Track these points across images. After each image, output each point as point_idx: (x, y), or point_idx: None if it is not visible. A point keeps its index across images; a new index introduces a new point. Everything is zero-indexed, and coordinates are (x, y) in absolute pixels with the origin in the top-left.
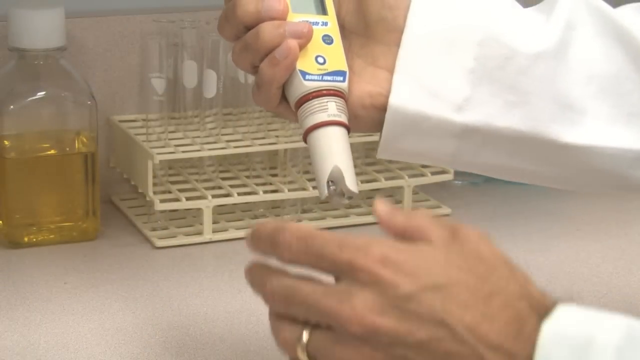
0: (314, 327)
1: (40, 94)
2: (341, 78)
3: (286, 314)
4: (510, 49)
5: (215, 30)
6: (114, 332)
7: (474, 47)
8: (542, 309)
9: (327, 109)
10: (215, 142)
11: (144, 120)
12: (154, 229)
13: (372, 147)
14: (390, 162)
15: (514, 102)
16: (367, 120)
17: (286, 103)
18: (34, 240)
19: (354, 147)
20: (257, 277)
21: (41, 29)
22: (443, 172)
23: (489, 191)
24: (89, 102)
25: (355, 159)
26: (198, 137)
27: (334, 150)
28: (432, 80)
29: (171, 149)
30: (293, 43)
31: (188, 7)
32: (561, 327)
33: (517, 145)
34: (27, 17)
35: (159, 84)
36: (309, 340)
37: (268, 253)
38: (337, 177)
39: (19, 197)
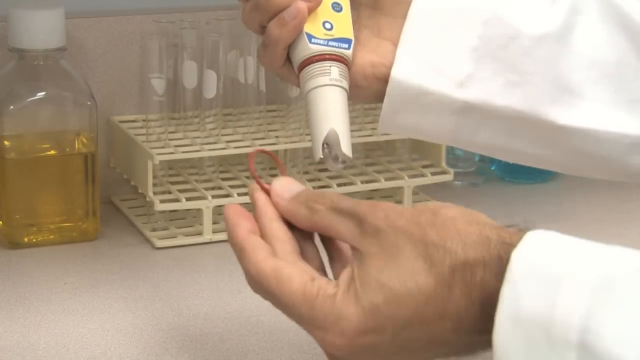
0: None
1: (40, 94)
2: (346, 45)
3: None
4: (514, 29)
5: (215, 31)
6: (114, 332)
7: (479, 26)
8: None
9: (330, 73)
10: (215, 143)
11: (144, 120)
12: (154, 230)
13: (372, 147)
14: (390, 162)
15: (515, 82)
16: (367, 90)
17: (290, 65)
18: (34, 240)
19: (354, 147)
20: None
21: (41, 29)
22: (443, 172)
23: (489, 191)
24: (89, 103)
25: (355, 159)
26: (198, 137)
27: (332, 114)
28: (435, 56)
29: (171, 149)
30: (302, 5)
31: (188, 7)
32: (533, 257)
33: (515, 125)
34: (27, 17)
35: (159, 84)
36: None
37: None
38: (333, 141)
39: (19, 197)
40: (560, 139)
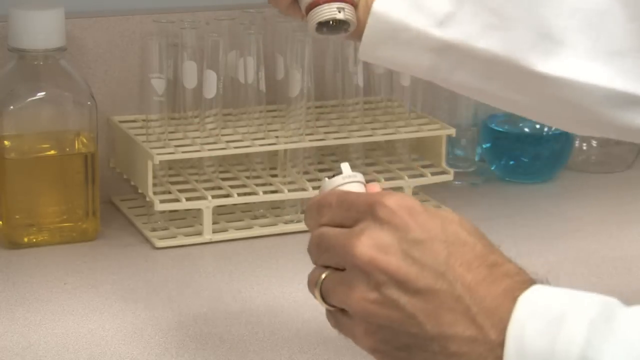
0: (333, 270)
1: (40, 94)
2: None
3: (319, 261)
4: None
5: (215, 31)
6: (114, 332)
7: None
8: (526, 285)
9: (337, 15)
10: (215, 143)
11: (144, 120)
12: (154, 230)
13: (372, 147)
14: (390, 162)
15: (495, 25)
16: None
17: (296, 4)
18: (34, 240)
19: (354, 147)
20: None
21: (41, 30)
22: (443, 172)
23: (489, 191)
24: (89, 103)
25: (355, 159)
26: (198, 137)
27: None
28: None
29: (171, 150)
30: None
31: (188, 7)
32: (536, 300)
33: (492, 68)
34: (27, 17)
35: (159, 84)
36: (323, 280)
37: (316, 216)
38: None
39: (19, 197)
40: (536, 85)
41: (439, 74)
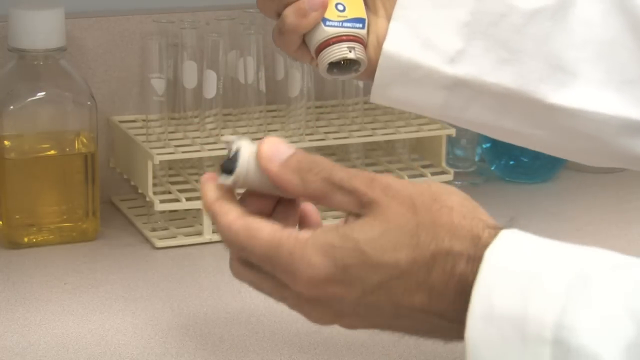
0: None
1: (40, 94)
2: (360, 25)
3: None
4: (507, 5)
5: (215, 31)
6: (114, 332)
7: (471, 1)
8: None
9: (348, 54)
10: (215, 143)
11: (144, 120)
12: (154, 230)
13: (372, 147)
14: (390, 162)
15: (506, 59)
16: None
17: (304, 47)
18: (34, 240)
19: (354, 147)
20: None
21: (41, 30)
22: (443, 172)
23: (489, 191)
24: (89, 103)
25: (355, 159)
26: (198, 137)
27: None
28: (427, 30)
29: (171, 150)
30: None
31: (188, 7)
32: (506, 255)
33: (505, 102)
34: (27, 17)
35: (159, 84)
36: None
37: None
38: None
39: (19, 197)
40: (550, 118)
41: (452, 112)
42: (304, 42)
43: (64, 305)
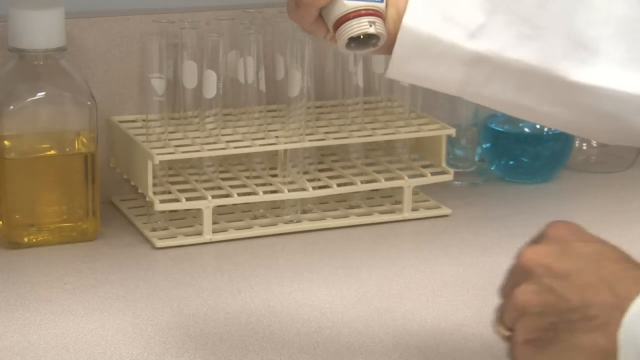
0: None
1: (40, 94)
2: None
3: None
4: None
5: (215, 31)
6: (114, 332)
7: None
8: None
9: (368, 29)
10: (215, 143)
11: (144, 120)
12: (154, 230)
13: (372, 147)
14: (390, 162)
15: (528, 35)
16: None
17: (320, 21)
18: (34, 240)
19: (354, 147)
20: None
21: (41, 30)
22: (443, 172)
23: (489, 191)
24: (89, 103)
25: (355, 159)
26: (198, 137)
27: None
28: (448, 5)
29: (171, 150)
30: None
31: (188, 7)
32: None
33: (525, 79)
34: (27, 17)
35: (159, 84)
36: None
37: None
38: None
39: (19, 197)
40: (570, 95)
41: (471, 88)
42: (319, 15)
43: (64, 305)
